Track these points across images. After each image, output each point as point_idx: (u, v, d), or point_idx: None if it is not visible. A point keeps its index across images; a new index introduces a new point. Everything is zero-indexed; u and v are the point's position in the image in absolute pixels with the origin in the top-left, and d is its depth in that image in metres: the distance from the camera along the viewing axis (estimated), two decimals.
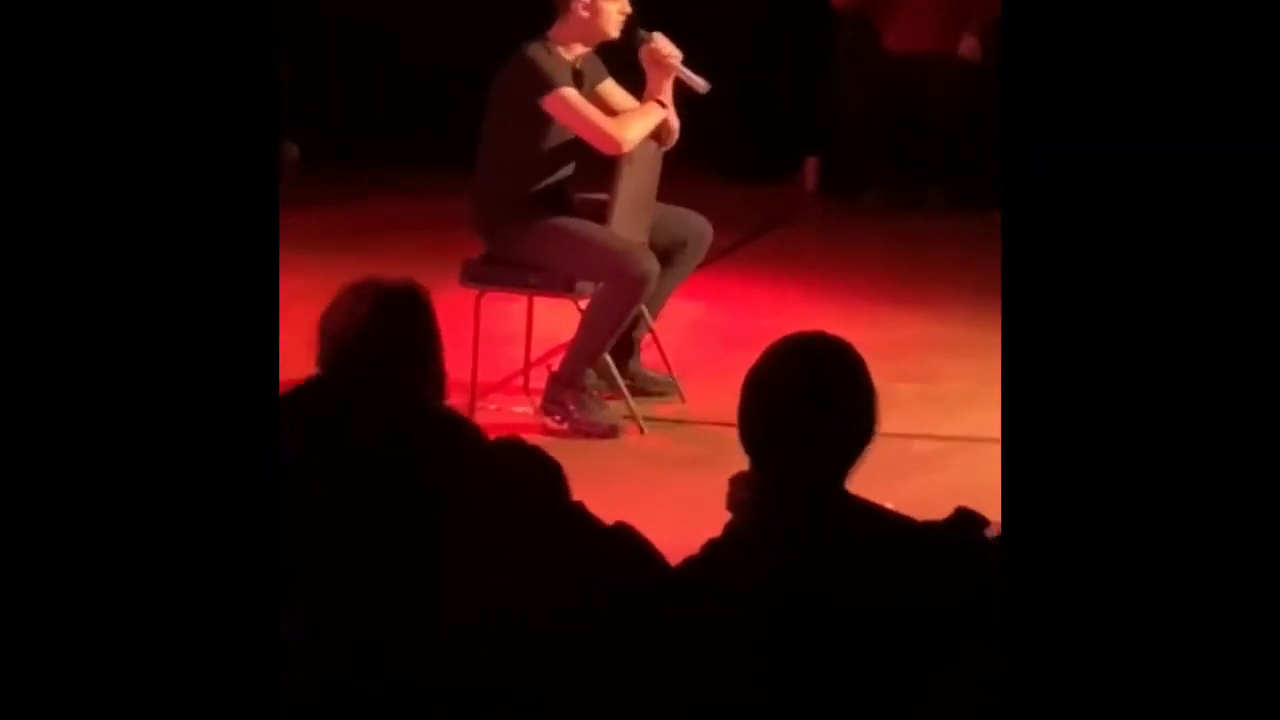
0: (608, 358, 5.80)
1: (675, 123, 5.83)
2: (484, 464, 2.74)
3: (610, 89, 5.89)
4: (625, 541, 2.78)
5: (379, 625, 2.18)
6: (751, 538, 2.76)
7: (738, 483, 2.82)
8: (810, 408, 2.78)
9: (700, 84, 5.78)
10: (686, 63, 5.79)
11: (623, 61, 5.95)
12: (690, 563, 2.79)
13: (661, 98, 5.78)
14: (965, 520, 2.81)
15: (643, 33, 5.78)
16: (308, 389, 2.05)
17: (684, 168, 6.79)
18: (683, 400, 6.03)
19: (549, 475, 2.79)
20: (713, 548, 2.79)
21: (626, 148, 5.66)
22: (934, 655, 2.61)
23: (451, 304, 5.72)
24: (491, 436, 3.22)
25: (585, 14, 5.67)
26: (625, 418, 5.80)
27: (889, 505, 2.91)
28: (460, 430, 2.99)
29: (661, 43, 5.76)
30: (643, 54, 5.78)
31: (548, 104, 5.62)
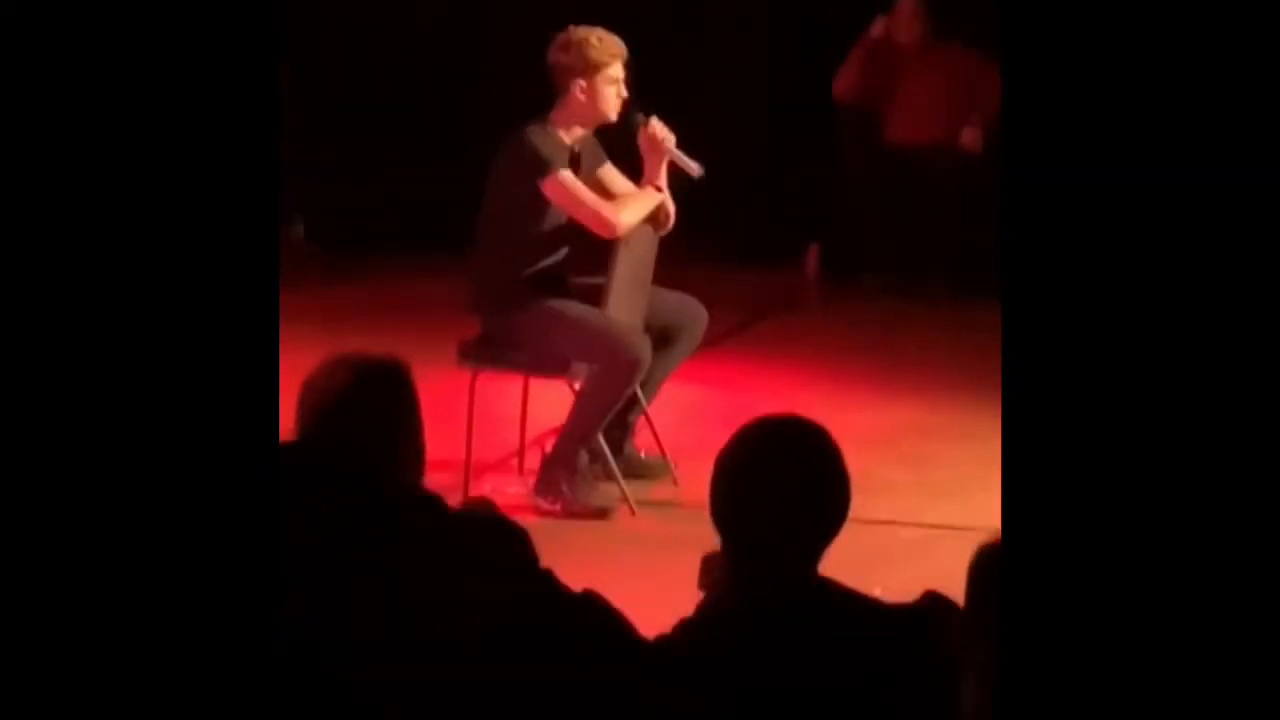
0: (601, 439, 5.80)
1: (671, 208, 5.86)
2: (451, 532, 2.73)
3: (609, 174, 5.92)
4: (593, 610, 2.77)
5: (343, 688, 2.15)
6: (721, 617, 2.75)
7: (710, 562, 2.82)
8: (779, 490, 2.78)
9: (694, 168, 5.80)
10: (681, 146, 5.81)
11: (620, 145, 5.98)
12: (661, 641, 2.78)
13: (658, 182, 5.80)
14: (934, 604, 2.79)
15: (639, 116, 5.81)
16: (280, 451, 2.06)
17: (687, 252, 6.81)
18: (676, 483, 6.03)
19: (517, 542, 2.77)
20: (683, 627, 2.78)
21: (621, 231, 5.68)
22: None
23: (448, 383, 5.73)
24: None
25: (583, 97, 5.70)
26: (618, 500, 5.79)
27: (876, 592, 2.90)
28: (427, 504, 2.97)
29: (657, 126, 5.79)
30: (640, 138, 5.81)
31: (545, 186, 5.64)
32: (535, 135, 5.69)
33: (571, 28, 5.76)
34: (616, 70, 5.72)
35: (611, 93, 5.71)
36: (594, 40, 5.71)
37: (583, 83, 5.69)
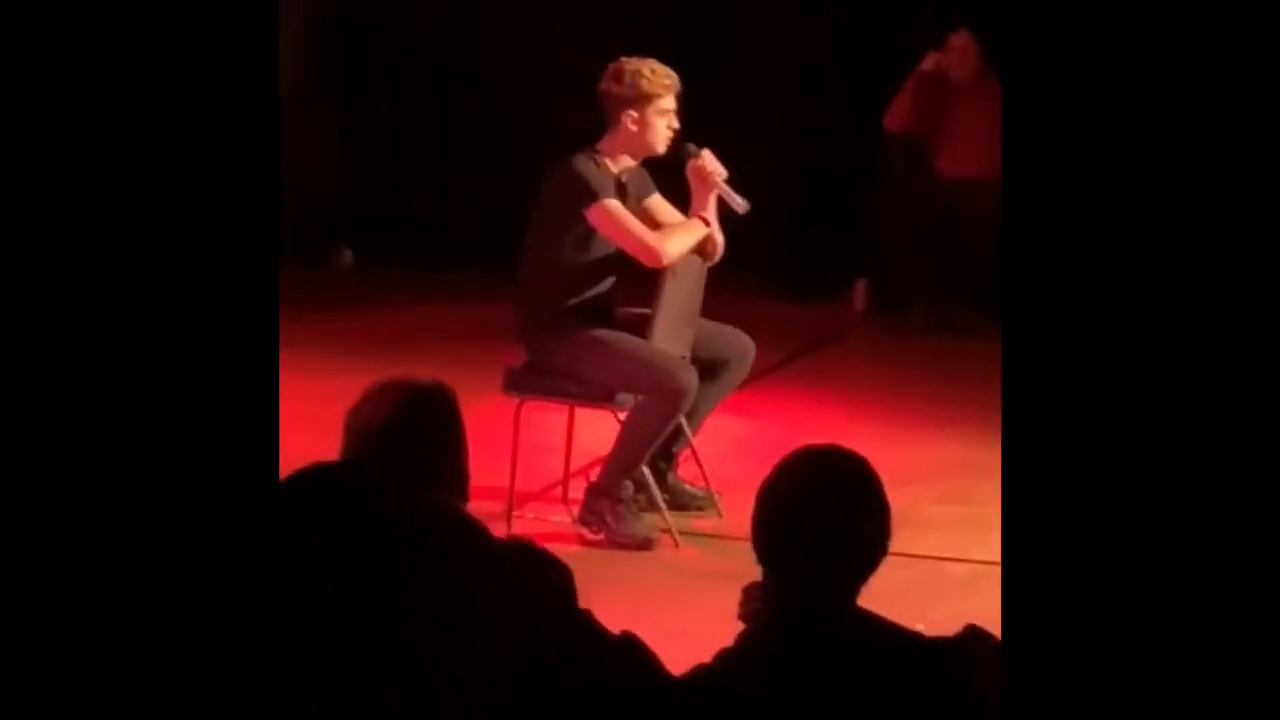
0: (646, 470, 5.79)
1: (720, 239, 5.86)
2: (492, 566, 2.71)
3: (657, 204, 5.93)
4: (631, 652, 2.75)
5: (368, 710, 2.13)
6: (761, 648, 2.74)
7: (750, 593, 2.81)
8: (819, 520, 2.77)
9: (740, 204, 5.79)
10: (730, 181, 5.82)
11: (669, 177, 5.99)
12: (700, 671, 2.77)
13: (705, 214, 5.80)
14: (974, 638, 2.78)
15: (691, 148, 5.82)
16: (320, 472, 2.01)
17: (734, 285, 6.80)
18: (720, 515, 6.01)
19: (557, 578, 2.76)
20: (723, 658, 2.76)
21: (667, 261, 5.68)
22: None
23: (493, 412, 5.74)
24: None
25: (634, 128, 5.71)
26: (661, 530, 5.79)
27: (919, 628, 2.88)
28: (468, 532, 2.97)
29: (708, 159, 5.80)
30: (689, 169, 5.82)
31: (591, 214, 5.65)
32: (582, 164, 5.70)
33: (624, 59, 5.78)
34: (668, 102, 5.73)
35: (662, 125, 5.72)
36: (647, 72, 5.72)
37: (634, 114, 5.70)
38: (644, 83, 5.71)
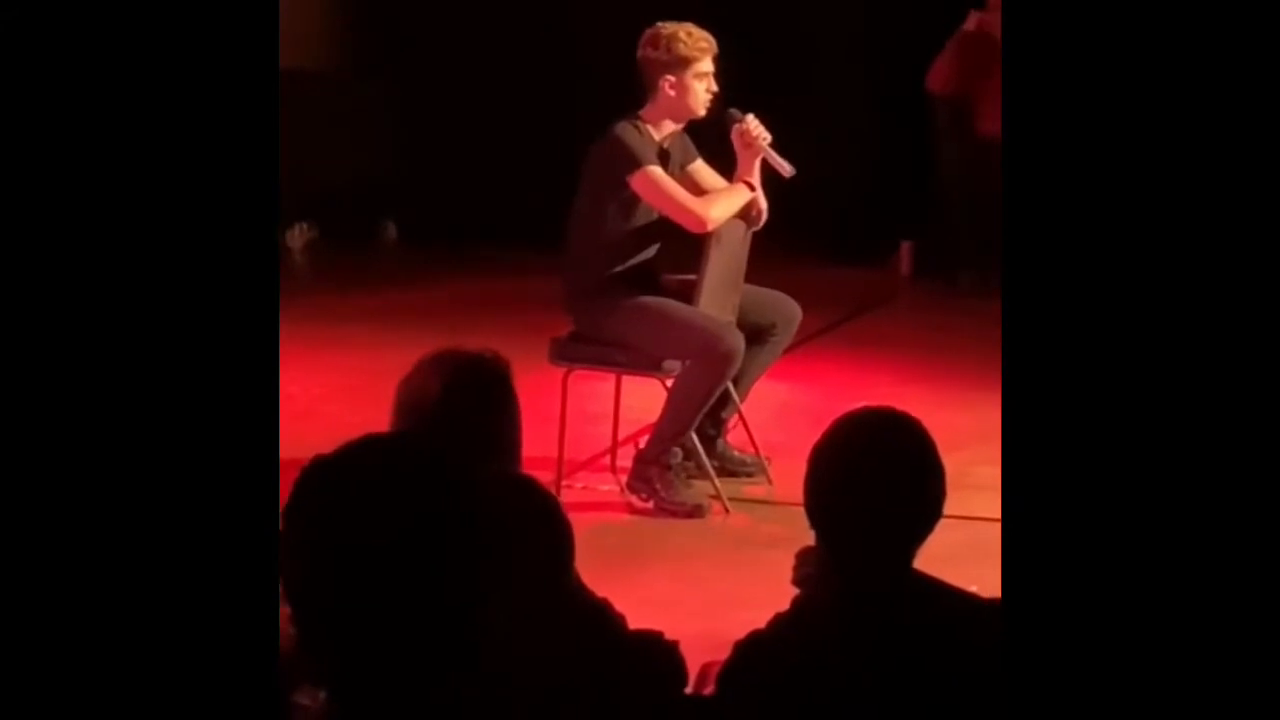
0: (694, 437, 5.78)
1: (764, 204, 5.83)
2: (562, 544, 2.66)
3: (701, 169, 5.91)
4: (658, 654, 2.70)
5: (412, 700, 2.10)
6: (816, 612, 2.72)
7: (804, 558, 2.79)
8: (873, 483, 2.75)
9: (786, 168, 5.76)
10: (776, 146, 5.78)
11: (715, 142, 5.97)
12: (755, 637, 2.75)
13: (750, 179, 5.78)
14: None
15: (735, 113, 5.79)
16: (371, 444, 2.00)
17: (780, 249, 6.77)
18: (770, 481, 6.00)
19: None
20: (777, 624, 2.75)
21: (711, 226, 5.66)
22: None
23: (540, 382, 5.73)
24: (573, 514, 3.18)
25: (673, 92, 5.69)
26: (711, 497, 5.78)
27: (973, 589, 2.86)
28: (530, 498, 2.95)
29: (752, 124, 5.77)
30: (733, 134, 5.80)
31: (634, 182, 5.64)
32: (625, 131, 5.68)
33: (661, 24, 5.75)
34: (706, 65, 5.71)
35: (700, 88, 5.70)
36: (683, 35, 5.70)
37: (671, 78, 5.68)
38: (680, 46, 5.68)
